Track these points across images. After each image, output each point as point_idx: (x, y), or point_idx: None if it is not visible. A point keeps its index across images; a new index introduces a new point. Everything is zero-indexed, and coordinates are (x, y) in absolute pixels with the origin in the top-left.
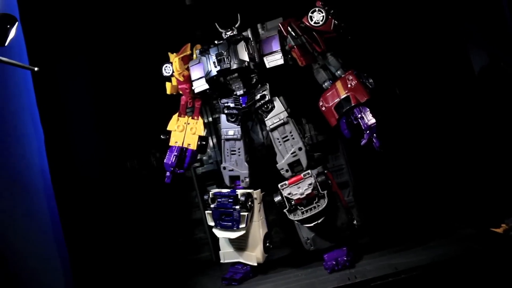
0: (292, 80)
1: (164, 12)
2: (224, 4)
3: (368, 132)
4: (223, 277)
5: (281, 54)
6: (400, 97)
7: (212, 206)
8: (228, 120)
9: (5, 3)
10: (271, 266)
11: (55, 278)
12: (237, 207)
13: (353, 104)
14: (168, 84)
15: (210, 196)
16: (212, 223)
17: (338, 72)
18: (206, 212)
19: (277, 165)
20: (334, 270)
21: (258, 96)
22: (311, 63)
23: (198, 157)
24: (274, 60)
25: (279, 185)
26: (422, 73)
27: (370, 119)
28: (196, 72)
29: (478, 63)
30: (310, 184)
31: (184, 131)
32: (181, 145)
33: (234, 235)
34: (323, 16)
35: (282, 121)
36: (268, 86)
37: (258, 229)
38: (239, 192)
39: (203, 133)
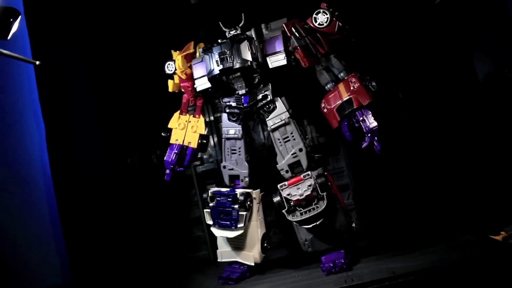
0: (295, 81)
1: (169, 10)
2: (228, 4)
3: (369, 135)
4: (220, 276)
5: (284, 55)
6: (403, 101)
7: (211, 204)
8: (229, 119)
9: None
10: (268, 266)
11: (53, 272)
12: (236, 206)
13: (355, 107)
14: (170, 82)
15: (209, 194)
16: (210, 222)
17: (341, 74)
18: (205, 210)
19: (277, 165)
20: (331, 272)
21: (260, 96)
22: (314, 64)
23: (199, 156)
24: (277, 60)
25: (278, 186)
26: (425, 77)
27: (371, 122)
28: (198, 71)
29: (482, 69)
30: (309, 186)
31: (185, 129)
32: (181, 143)
33: (232, 234)
34: (327, 17)
35: (283, 121)
36: (270, 86)
37: (256, 229)
38: (238, 191)
39: (204, 132)
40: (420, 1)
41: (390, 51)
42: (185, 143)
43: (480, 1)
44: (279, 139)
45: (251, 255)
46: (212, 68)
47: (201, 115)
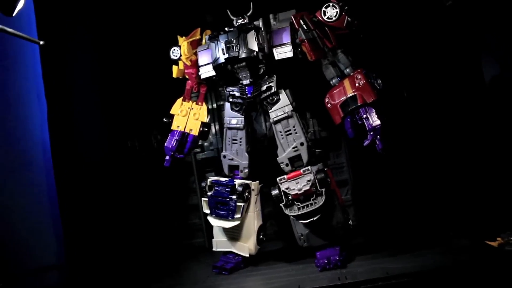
0: (300, 74)
1: None
2: None
3: (372, 133)
4: (214, 265)
5: (291, 47)
6: (407, 100)
7: (209, 193)
8: (232, 109)
9: None
10: (262, 258)
11: (47, 252)
12: (234, 197)
13: (359, 104)
14: (174, 68)
15: (208, 183)
16: (207, 211)
17: (347, 70)
18: (202, 199)
19: (277, 158)
20: (325, 268)
21: (264, 87)
22: (321, 58)
23: (199, 143)
24: (283, 52)
25: (277, 179)
26: (431, 78)
27: (375, 120)
28: (204, 58)
29: (489, 73)
30: (309, 181)
31: (187, 116)
32: (183, 130)
33: (228, 224)
34: (336, 12)
35: (286, 114)
36: (275, 78)
37: (253, 221)
38: (237, 182)
39: (206, 120)
40: (431, 2)
41: (397, 50)
42: (187, 130)
43: (489, 3)
44: (281, 132)
45: (246, 247)
46: (217, 56)
47: (203, 103)
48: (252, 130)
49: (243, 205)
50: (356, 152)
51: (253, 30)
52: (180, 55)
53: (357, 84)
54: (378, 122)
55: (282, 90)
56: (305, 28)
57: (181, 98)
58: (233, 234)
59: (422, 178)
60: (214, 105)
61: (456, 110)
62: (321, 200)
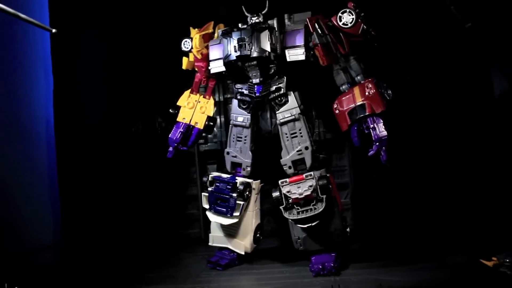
0: (310, 77)
1: None
2: None
3: (377, 144)
4: (209, 260)
5: (303, 50)
6: (412, 113)
7: (209, 189)
8: (239, 106)
9: None
10: (257, 256)
11: (44, 226)
12: (234, 194)
13: (367, 113)
14: (185, 59)
15: (209, 179)
16: (206, 206)
17: (358, 77)
18: (203, 193)
19: (281, 160)
20: (319, 274)
21: (273, 88)
22: (332, 63)
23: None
24: (295, 54)
25: (279, 182)
26: (440, 89)
27: (382, 131)
28: (215, 52)
29: (499, 87)
30: (310, 186)
31: (194, 109)
32: (188, 122)
33: (226, 221)
34: (352, 18)
35: (293, 117)
36: (285, 80)
37: (251, 219)
38: (238, 180)
39: (212, 114)
40: (450, 23)
41: (409, 61)
42: (192, 123)
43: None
44: (286, 134)
45: (242, 244)
46: (229, 53)
47: (211, 97)
48: (258, 129)
49: (243, 204)
50: (359, 157)
51: (267, 30)
52: (191, 48)
53: (367, 93)
54: (385, 133)
55: (291, 92)
56: (320, 32)
57: (189, 90)
58: (230, 231)
59: (422, 190)
60: (221, 98)
61: (458, 124)
62: (321, 207)
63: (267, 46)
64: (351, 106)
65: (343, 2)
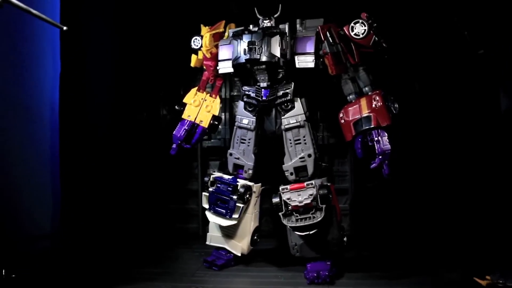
0: (318, 84)
1: None
2: None
3: (380, 157)
4: (205, 259)
5: (313, 57)
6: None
7: (210, 189)
8: (245, 108)
9: None
10: (254, 257)
11: (43, 213)
12: (235, 197)
13: (373, 126)
14: (193, 57)
15: (211, 179)
16: (206, 206)
17: (366, 88)
18: (203, 193)
19: (283, 165)
20: (314, 282)
21: (280, 93)
22: (341, 73)
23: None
24: (305, 61)
25: (280, 188)
26: (446, 102)
27: (386, 145)
28: (224, 52)
29: (506, 105)
30: (311, 195)
31: (200, 107)
32: (193, 120)
33: (225, 223)
34: (365, 29)
35: (298, 123)
36: (292, 86)
37: (250, 222)
38: (240, 183)
39: (217, 113)
40: (462, 48)
41: (417, 74)
42: (197, 121)
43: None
44: (290, 140)
45: (239, 246)
46: (238, 55)
47: (217, 96)
48: (262, 132)
49: (243, 207)
50: (361, 164)
51: (278, 35)
52: (201, 46)
53: (373, 105)
54: (389, 147)
55: (298, 98)
56: (331, 41)
57: (196, 88)
58: (228, 232)
59: (421, 203)
60: (227, 95)
61: (460, 140)
62: (319, 216)
63: (277, 52)
64: (357, 117)
65: (356, 11)
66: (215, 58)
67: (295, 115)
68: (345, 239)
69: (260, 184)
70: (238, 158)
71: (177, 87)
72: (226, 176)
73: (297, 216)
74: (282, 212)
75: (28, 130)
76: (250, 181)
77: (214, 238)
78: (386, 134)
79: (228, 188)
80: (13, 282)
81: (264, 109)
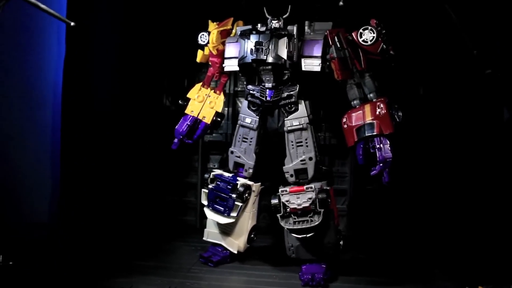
0: (323, 87)
1: None
2: None
3: (381, 164)
4: (201, 255)
5: (320, 61)
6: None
7: (210, 186)
8: (249, 107)
9: None
10: (249, 253)
11: (42, 195)
12: (234, 195)
13: (375, 133)
14: (200, 52)
15: (211, 176)
16: (205, 202)
17: (371, 95)
18: (203, 190)
19: (283, 167)
20: (308, 284)
21: (285, 94)
22: (347, 79)
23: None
24: (311, 64)
25: (279, 189)
26: (448, 109)
27: (387, 153)
28: (231, 50)
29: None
30: (310, 198)
31: (203, 103)
32: (196, 116)
33: (223, 220)
34: (373, 36)
35: (301, 126)
36: (297, 88)
37: (247, 220)
38: (239, 182)
39: (220, 110)
40: (470, 69)
41: (422, 79)
42: (200, 117)
43: None
44: (292, 142)
45: (236, 243)
46: (245, 55)
47: (222, 93)
48: (265, 132)
49: (241, 205)
50: (361, 166)
51: (286, 37)
52: (208, 42)
53: (377, 112)
54: (390, 155)
55: (302, 100)
56: (338, 46)
57: (200, 83)
58: (226, 229)
59: (419, 211)
60: (231, 90)
61: (460, 151)
62: (317, 220)
63: (283, 54)
64: (360, 123)
65: (365, 15)
66: (221, 55)
67: (298, 117)
68: (341, 242)
69: (259, 183)
70: (239, 157)
71: (181, 78)
72: (226, 174)
73: (295, 219)
74: (280, 214)
75: (30, 113)
76: (250, 180)
77: (211, 234)
78: (388, 142)
79: (228, 186)
80: (11, 269)
81: (267, 109)
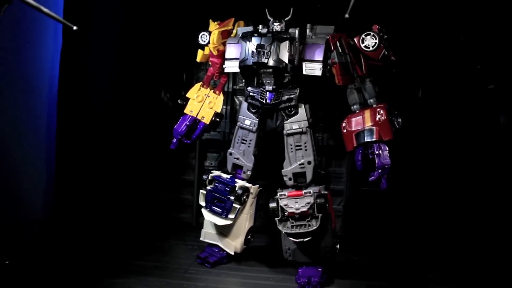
0: (323, 90)
1: None
2: None
3: (380, 171)
4: (198, 255)
5: (321, 66)
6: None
7: (208, 187)
8: (248, 109)
9: None
10: (246, 254)
11: (36, 192)
12: (232, 197)
13: (375, 139)
14: (200, 52)
15: (209, 178)
16: (203, 203)
17: (371, 100)
18: (201, 191)
19: (282, 170)
20: None
21: (285, 98)
22: (348, 84)
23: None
24: (312, 68)
25: (278, 193)
26: (446, 114)
27: (386, 159)
28: (231, 51)
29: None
30: (308, 203)
31: (202, 103)
32: (195, 116)
33: (221, 222)
34: (375, 42)
35: (301, 129)
36: (298, 91)
37: (245, 222)
38: (238, 184)
39: (220, 110)
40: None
41: (421, 89)
42: (199, 117)
43: None
44: (291, 145)
45: (233, 244)
46: (246, 57)
47: (221, 93)
48: (264, 134)
49: (239, 208)
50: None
51: (288, 41)
52: (208, 42)
53: (377, 118)
54: (389, 161)
55: (302, 104)
56: (340, 51)
57: (200, 83)
58: (223, 230)
59: (416, 214)
60: (230, 88)
61: (459, 155)
62: (315, 224)
63: (285, 57)
64: (359, 128)
65: (369, 21)
66: (221, 56)
67: (298, 121)
68: (337, 246)
69: (258, 185)
70: (237, 158)
71: (180, 74)
72: (224, 176)
73: (292, 223)
74: (278, 218)
75: (26, 109)
76: (248, 182)
77: (208, 235)
78: (387, 149)
79: (226, 188)
80: (7, 269)
81: (267, 112)
